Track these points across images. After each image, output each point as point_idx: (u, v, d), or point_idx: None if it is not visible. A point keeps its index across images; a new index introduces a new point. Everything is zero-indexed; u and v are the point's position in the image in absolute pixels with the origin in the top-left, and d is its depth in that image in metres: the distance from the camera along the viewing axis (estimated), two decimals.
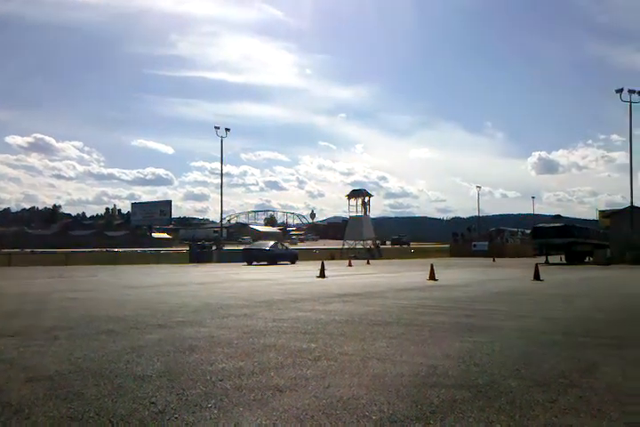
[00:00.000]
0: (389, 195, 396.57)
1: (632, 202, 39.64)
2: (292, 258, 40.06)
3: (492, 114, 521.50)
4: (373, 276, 22.68)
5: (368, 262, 40.69)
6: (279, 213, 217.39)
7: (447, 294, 13.07)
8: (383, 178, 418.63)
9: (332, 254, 56.98)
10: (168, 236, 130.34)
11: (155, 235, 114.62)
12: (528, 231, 59.47)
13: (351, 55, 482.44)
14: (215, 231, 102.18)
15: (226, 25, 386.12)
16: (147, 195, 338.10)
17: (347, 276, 22.50)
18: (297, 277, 21.23)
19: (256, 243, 48.18)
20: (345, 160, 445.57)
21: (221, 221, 65.08)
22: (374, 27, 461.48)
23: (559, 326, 7.75)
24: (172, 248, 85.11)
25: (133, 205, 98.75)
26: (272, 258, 37.09)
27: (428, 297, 12.32)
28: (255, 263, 36.17)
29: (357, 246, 63.53)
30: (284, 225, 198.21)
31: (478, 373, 4.85)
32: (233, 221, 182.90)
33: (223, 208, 51.67)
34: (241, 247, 51.83)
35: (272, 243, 40.93)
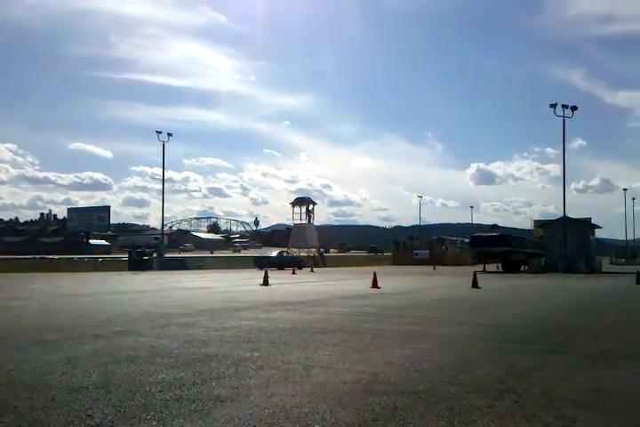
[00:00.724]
0: (333, 203, 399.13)
1: (565, 212, 41.40)
2: (297, 264, 44.11)
3: (432, 125, 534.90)
4: (317, 284, 22.74)
5: (312, 270, 40.75)
6: (222, 221, 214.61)
7: (389, 302, 13.25)
8: (327, 186, 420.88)
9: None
10: (106, 242, 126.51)
11: (92, 241, 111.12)
12: (467, 240, 61.05)
13: (295, 63, 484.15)
14: (156, 238, 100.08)
15: (169, 28, 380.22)
16: (84, 200, 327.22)
17: (290, 284, 22.47)
18: (240, 285, 21.04)
19: (266, 253, 56.01)
20: (289, 168, 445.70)
21: (162, 227, 63.78)
22: (319, 36, 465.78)
23: (495, 333, 7.99)
24: (111, 255, 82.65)
25: (70, 210, 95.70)
26: (279, 264, 43.54)
27: (370, 305, 12.46)
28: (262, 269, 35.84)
29: (302, 254, 63.55)
30: (228, 232, 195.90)
31: (419, 379, 4.94)
32: (174, 228, 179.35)
33: (164, 214, 50.80)
34: (182, 255, 51.19)
35: (277, 252, 50.46)
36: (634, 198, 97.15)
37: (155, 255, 49.27)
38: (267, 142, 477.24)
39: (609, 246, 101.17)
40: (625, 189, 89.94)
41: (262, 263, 42.40)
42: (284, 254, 48.03)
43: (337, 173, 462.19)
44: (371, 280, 19.16)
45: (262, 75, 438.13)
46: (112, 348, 6.48)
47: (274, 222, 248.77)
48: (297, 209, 64.68)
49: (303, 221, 64.22)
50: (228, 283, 22.76)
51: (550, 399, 4.30)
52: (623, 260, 79.42)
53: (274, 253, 47.71)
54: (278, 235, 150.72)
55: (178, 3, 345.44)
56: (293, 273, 33.55)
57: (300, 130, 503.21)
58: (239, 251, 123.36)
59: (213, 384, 4.71)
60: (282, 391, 4.47)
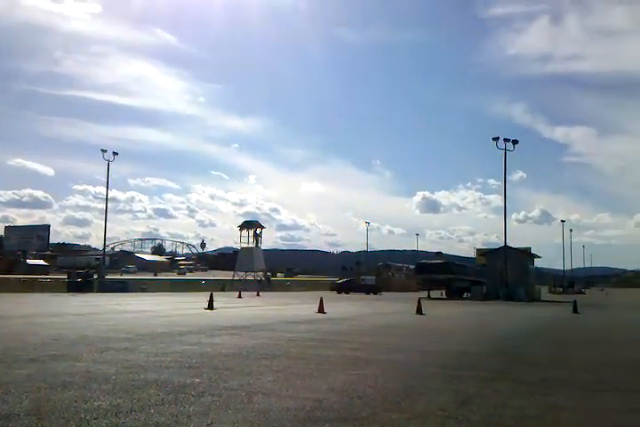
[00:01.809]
0: (281, 227, 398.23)
1: (505, 242, 42.64)
2: (372, 289, 52.92)
3: (381, 153, 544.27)
4: (263, 308, 22.51)
5: (258, 294, 40.37)
6: (168, 242, 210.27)
7: (335, 328, 13.24)
8: (275, 210, 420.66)
9: (224, 285, 56.01)
10: (45, 262, 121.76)
11: (30, 261, 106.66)
12: (412, 267, 61.95)
13: (246, 87, 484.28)
14: (97, 259, 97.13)
15: (118, 46, 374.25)
16: (22, 218, 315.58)
17: (236, 308, 22.16)
18: (184, 308, 20.60)
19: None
20: (237, 191, 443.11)
21: (104, 248, 61.97)
22: (271, 60, 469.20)
23: (438, 359, 8.08)
24: (49, 276, 79.50)
25: (7, 228, 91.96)
26: (353, 289, 52.40)
27: (316, 330, 12.41)
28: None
29: (248, 278, 62.93)
30: (173, 254, 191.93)
31: (361, 405, 4.93)
32: (117, 249, 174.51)
33: (107, 235, 49.29)
34: (124, 277, 49.96)
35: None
36: (571, 230, 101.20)
37: (95, 277, 47.75)
38: (215, 164, 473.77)
39: (548, 275, 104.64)
40: (563, 221, 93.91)
41: (340, 287, 52.77)
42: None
43: (286, 197, 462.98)
44: (317, 305, 19.12)
45: (212, 96, 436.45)
46: (46, 373, 6.20)
47: (221, 245, 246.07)
48: (245, 232, 64.37)
49: (250, 245, 63.82)
50: (171, 306, 22.24)
51: (489, 425, 4.37)
52: (561, 289, 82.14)
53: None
54: (225, 258, 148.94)
55: (128, 21, 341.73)
56: (239, 297, 33.14)
57: (250, 153, 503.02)
58: (184, 273, 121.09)
59: (152, 411, 4.56)
60: (222, 419, 4.37)
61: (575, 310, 22.09)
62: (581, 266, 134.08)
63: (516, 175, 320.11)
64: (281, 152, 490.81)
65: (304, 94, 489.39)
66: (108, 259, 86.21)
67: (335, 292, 52.09)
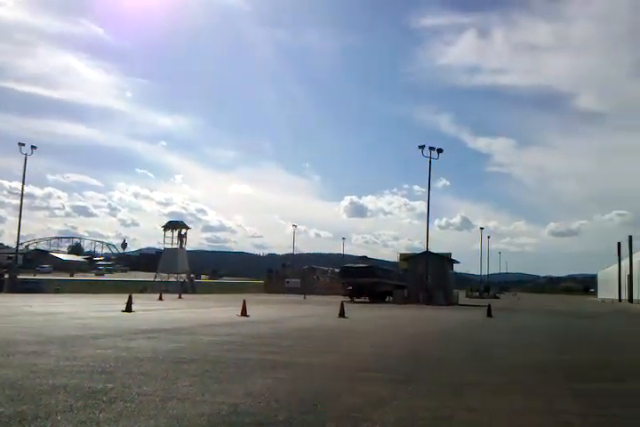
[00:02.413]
0: (207, 228, 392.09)
1: (427, 247, 43.90)
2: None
3: (311, 157, 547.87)
4: (184, 311, 22.07)
5: (180, 296, 39.53)
6: (86, 242, 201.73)
7: (256, 331, 13.16)
8: (202, 211, 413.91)
9: (144, 287, 54.47)
10: None
11: None
12: (338, 270, 62.60)
13: (175, 83, 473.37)
14: (9, 257, 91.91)
15: (43, 36, 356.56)
16: None
17: (155, 310, 21.59)
18: (100, 311, 19.87)
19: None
20: (163, 190, 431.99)
21: (17, 246, 58.97)
22: (201, 57, 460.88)
23: (357, 362, 8.21)
24: None
25: None
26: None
27: (237, 333, 12.29)
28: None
29: (171, 279, 61.52)
30: (92, 254, 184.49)
31: (278, 409, 4.92)
32: (32, 248, 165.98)
33: (21, 232, 46.96)
34: (38, 277, 47.61)
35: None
36: (489, 237, 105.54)
37: (6, 276, 45.24)
38: (140, 162, 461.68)
39: (466, 280, 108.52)
40: (481, 228, 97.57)
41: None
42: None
43: (213, 197, 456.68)
44: (240, 308, 18.94)
45: (140, 92, 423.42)
46: None
47: (143, 246, 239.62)
48: (169, 233, 62.91)
49: (175, 246, 62.44)
50: (87, 308, 21.40)
51: None
52: (477, 293, 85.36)
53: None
54: (147, 259, 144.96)
55: (54, 10, 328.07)
56: (160, 299, 32.32)
57: (177, 152, 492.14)
58: (103, 274, 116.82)
59: (59, 418, 4.36)
60: (133, 425, 4.25)
61: (489, 314, 22.99)
62: (497, 272, 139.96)
63: (441, 183, 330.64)
64: (209, 152, 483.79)
65: (235, 94, 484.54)
66: (21, 258, 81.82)
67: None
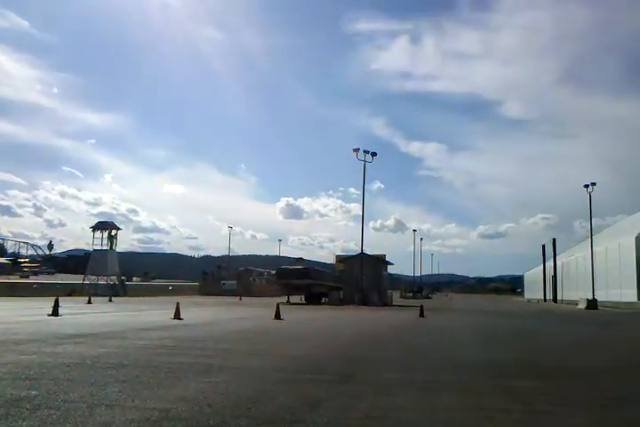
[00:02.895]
0: (139, 229, 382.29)
1: (362, 249, 44.46)
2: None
3: (246, 157, 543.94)
4: (114, 314, 21.41)
5: (110, 300, 38.33)
6: (10, 243, 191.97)
7: (190, 334, 12.94)
8: (133, 211, 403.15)
9: (72, 290, 52.50)
10: None
11: None
12: (274, 272, 62.43)
13: (105, 79, 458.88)
14: None
15: None
16: None
17: (84, 314, 20.85)
18: (25, 315, 18.99)
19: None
20: (92, 189, 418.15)
21: None
22: (132, 54, 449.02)
23: (292, 364, 8.21)
24: None
25: None
26: None
27: (169, 337, 12.04)
28: None
29: (101, 282, 59.59)
30: (15, 256, 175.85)
31: (211, 413, 4.86)
32: None
33: None
34: None
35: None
36: (422, 239, 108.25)
37: None
38: (68, 160, 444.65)
39: (400, 281, 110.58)
40: (414, 230, 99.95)
41: None
42: None
43: (145, 198, 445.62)
44: (173, 311, 18.57)
45: (67, 88, 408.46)
46: None
47: (71, 247, 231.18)
48: (98, 234, 60.84)
49: (104, 247, 60.49)
50: (10, 312, 20.41)
51: None
52: (411, 294, 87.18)
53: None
54: (75, 260, 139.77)
55: None
56: (89, 303, 31.24)
57: (107, 150, 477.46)
58: (28, 277, 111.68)
59: None
60: None
61: (421, 314, 23.54)
62: (430, 273, 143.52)
63: (375, 185, 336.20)
64: (141, 151, 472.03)
65: (167, 93, 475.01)
66: None
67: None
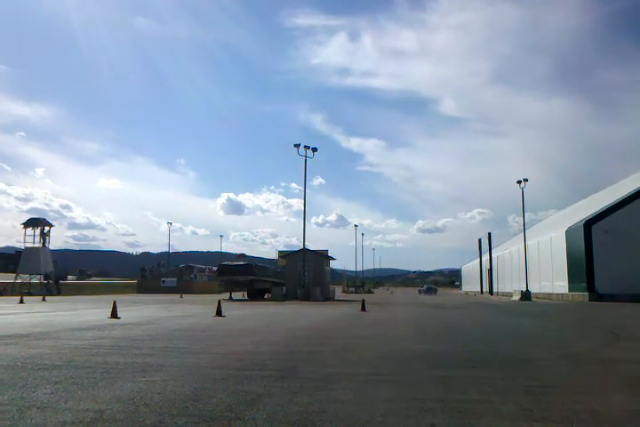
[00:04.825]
0: (73, 226, 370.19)
1: (304, 245, 44.59)
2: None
3: (185, 152, 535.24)
4: (48, 314, 20.67)
5: (44, 299, 36.98)
6: None
7: (127, 333, 12.65)
8: (67, 207, 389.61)
9: (3, 290, 50.28)
10: None
11: None
12: (215, 268, 61.79)
13: (34, 70, 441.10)
14: None
15: None
16: None
17: (15, 314, 20.04)
18: None
19: None
20: (22, 184, 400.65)
21: None
22: (63, 43, 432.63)
23: (232, 361, 8.16)
24: None
25: None
26: None
27: (105, 336, 11.73)
28: None
29: (33, 281, 57.36)
30: None
31: (147, 413, 4.78)
32: None
33: None
34: None
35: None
36: (363, 234, 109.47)
37: None
38: None
39: (342, 276, 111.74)
40: (356, 226, 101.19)
41: None
42: None
43: (79, 193, 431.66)
44: (110, 310, 18.10)
45: None
46: None
47: (1, 245, 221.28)
48: (30, 231, 58.56)
49: (37, 245, 58.21)
50: None
51: (274, 424, 4.52)
52: (353, 288, 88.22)
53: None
54: (5, 259, 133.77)
55: None
56: (21, 302, 30.02)
57: (38, 143, 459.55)
58: None
59: None
60: None
61: (363, 309, 23.86)
62: (372, 267, 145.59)
63: (317, 181, 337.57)
64: (74, 145, 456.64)
65: (102, 84, 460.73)
66: None
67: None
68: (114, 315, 17.69)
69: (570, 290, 43.00)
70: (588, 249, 41.31)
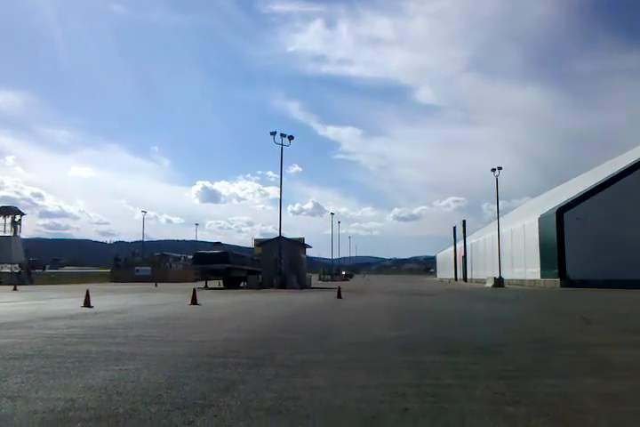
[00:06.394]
0: (45, 214, 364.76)
1: (280, 233, 44.54)
2: None
3: (159, 139, 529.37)
4: (19, 303, 20.36)
5: (15, 288, 36.41)
6: None
7: (100, 322, 12.50)
8: (38, 195, 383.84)
9: None
10: None
11: None
12: (191, 257, 61.40)
13: (3, 56, 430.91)
14: None
15: None
16: None
17: None
18: None
19: None
20: None
21: None
22: (33, 27, 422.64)
23: (207, 349, 8.12)
24: None
25: None
26: None
27: (78, 326, 11.59)
28: None
29: (4, 270, 56.41)
30: None
31: (120, 402, 4.73)
32: None
33: None
34: None
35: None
36: (339, 222, 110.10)
37: None
38: None
39: (318, 264, 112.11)
40: (332, 214, 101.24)
41: None
42: None
43: (51, 181, 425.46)
44: (83, 299, 17.88)
45: None
46: None
47: None
48: (0, 220, 57.35)
49: (7, 234, 57.18)
50: None
51: (248, 410, 4.51)
52: (329, 276, 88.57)
53: None
54: None
55: None
56: None
57: (7, 130, 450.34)
58: None
59: None
60: None
61: (339, 296, 23.98)
62: (348, 255, 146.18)
63: (293, 169, 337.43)
64: (45, 132, 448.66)
65: (72, 71, 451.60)
66: None
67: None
68: (87, 304, 17.47)
69: (542, 276, 43.76)
70: (560, 236, 42.00)
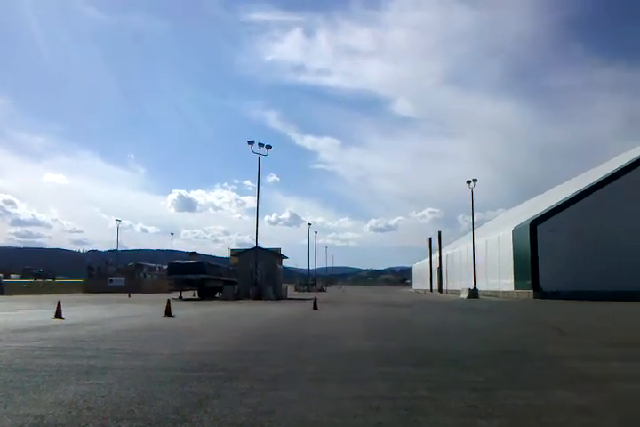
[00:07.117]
0: (17, 222, 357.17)
1: (257, 243, 44.32)
2: None
3: (135, 147, 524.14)
4: None
5: None
6: None
7: (71, 334, 12.27)
8: (10, 203, 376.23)
9: None
10: None
11: None
12: (166, 267, 60.71)
13: None
14: None
15: None
16: None
17: None
18: None
19: None
20: None
21: None
22: (6, 31, 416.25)
23: (181, 363, 8.02)
24: None
25: None
26: None
27: (48, 338, 11.36)
28: None
29: None
30: None
31: (90, 417, 4.65)
32: None
33: None
34: None
35: None
36: (316, 232, 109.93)
37: None
38: None
39: (295, 274, 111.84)
40: (309, 224, 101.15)
41: None
42: None
43: (23, 188, 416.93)
44: (54, 310, 17.54)
45: None
46: None
47: None
48: None
49: None
50: None
51: (221, 426, 4.47)
52: (306, 287, 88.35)
53: None
54: None
55: None
56: None
57: None
58: None
59: None
60: None
61: (315, 307, 23.91)
62: (324, 266, 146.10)
63: (271, 178, 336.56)
64: (17, 137, 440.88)
65: (46, 76, 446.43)
66: None
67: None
68: (58, 315, 17.15)
69: (515, 287, 44.20)
70: (534, 248, 42.51)
